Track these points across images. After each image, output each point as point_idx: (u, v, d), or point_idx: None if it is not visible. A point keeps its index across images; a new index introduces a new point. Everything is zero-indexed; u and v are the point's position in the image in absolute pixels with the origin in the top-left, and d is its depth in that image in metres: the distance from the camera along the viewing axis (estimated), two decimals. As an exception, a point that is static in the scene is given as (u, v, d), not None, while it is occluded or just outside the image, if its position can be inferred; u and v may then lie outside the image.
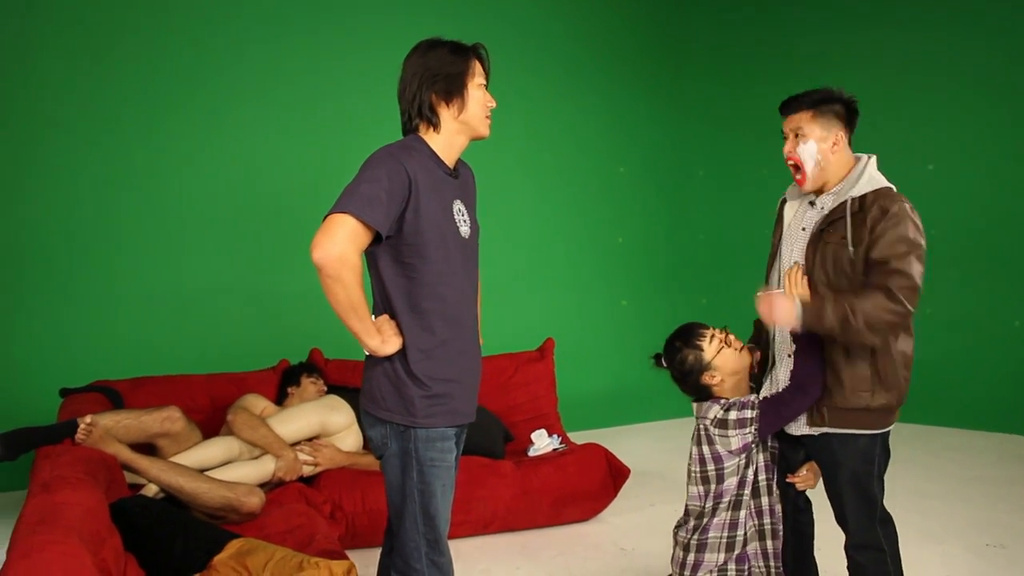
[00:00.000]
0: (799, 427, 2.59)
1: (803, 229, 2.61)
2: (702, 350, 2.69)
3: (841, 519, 2.62)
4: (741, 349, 2.70)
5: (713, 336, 2.70)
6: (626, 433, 6.25)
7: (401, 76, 2.36)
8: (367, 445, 4.26)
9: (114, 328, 5.25)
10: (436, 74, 2.30)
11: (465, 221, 2.38)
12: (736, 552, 2.68)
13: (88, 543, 2.20)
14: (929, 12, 6.56)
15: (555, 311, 6.83)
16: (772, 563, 2.68)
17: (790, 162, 2.60)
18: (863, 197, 2.47)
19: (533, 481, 4.13)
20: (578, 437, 5.06)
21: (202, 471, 3.53)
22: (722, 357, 2.67)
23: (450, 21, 6.16)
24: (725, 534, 2.68)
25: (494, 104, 2.37)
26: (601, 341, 7.08)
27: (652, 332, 7.08)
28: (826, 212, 2.55)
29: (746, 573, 2.68)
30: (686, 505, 2.76)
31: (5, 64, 5.06)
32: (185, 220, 5.50)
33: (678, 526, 2.78)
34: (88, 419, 3.33)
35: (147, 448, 3.62)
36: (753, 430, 2.61)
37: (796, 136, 2.56)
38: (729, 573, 2.67)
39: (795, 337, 2.57)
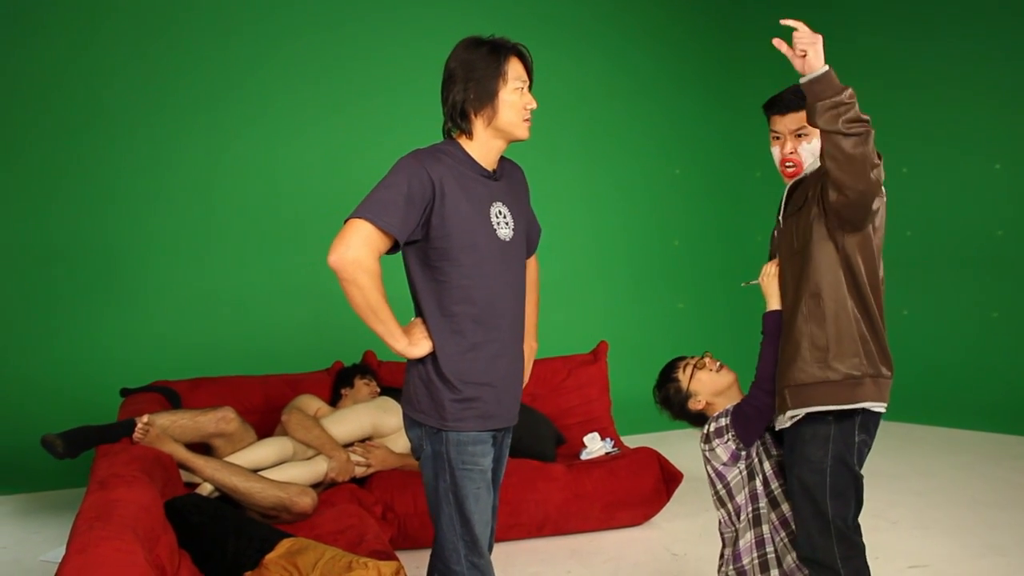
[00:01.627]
0: (781, 422, 2.49)
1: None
2: (678, 381, 2.79)
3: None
4: (719, 369, 2.76)
5: (686, 365, 2.80)
6: (680, 437, 6.15)
7: (444, 72, 2.36)
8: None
9: (174, 329, 5.37)
10: (470, 79, 2.29)
11: (507, 223, 2.36)
12: (774, 572, 2.62)
13: (143, 540, 2.24)
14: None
15: (611, 314, 6.80)
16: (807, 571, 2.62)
17: (787, 164, 2.55)
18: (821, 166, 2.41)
19: (585, 485, 4.11)
20: (631, 441, 5.01)
21: (256, 471, 3.58)
22: (697, 381, 2.75)
23: (496, 24, 6.16)
24: (755, 555, 2.64)
25: (534, 105, 2.34)
26: (657, 344, 6.99)
27: (709, 335, 7.09)
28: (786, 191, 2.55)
29: None
30: (722, 536, 2.75)
31: (36, 74, 5.21)
32: (244, 223, 5.60)
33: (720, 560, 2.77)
34: (145, 418, 3.40)
35: (202, 448, 3.69)
36: (731, 436, 2.61)
37: (798, 136, 2.52)
38: None
39: (763, 328, 2.58)
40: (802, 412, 2.41)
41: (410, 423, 2.39)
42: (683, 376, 2.78)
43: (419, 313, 2.35)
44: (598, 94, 6.86)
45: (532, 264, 2.65)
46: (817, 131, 2.44)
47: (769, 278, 2.60)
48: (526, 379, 2.58)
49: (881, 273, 2.45)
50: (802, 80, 2.26)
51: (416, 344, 2.29)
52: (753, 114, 7.87)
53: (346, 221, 2.21)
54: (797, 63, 2.27)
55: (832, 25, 7.22)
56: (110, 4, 5.37)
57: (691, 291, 7.41)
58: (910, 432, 6.00)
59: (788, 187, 2.58)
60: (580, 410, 4.84)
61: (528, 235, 2.53)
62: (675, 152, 7.33)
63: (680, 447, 5.58)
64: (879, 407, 2.41)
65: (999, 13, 6.37)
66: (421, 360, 2.32)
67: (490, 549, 2.42)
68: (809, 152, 2.52)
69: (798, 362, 2.41)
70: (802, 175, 2.55)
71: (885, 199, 2.42)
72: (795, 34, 2.25)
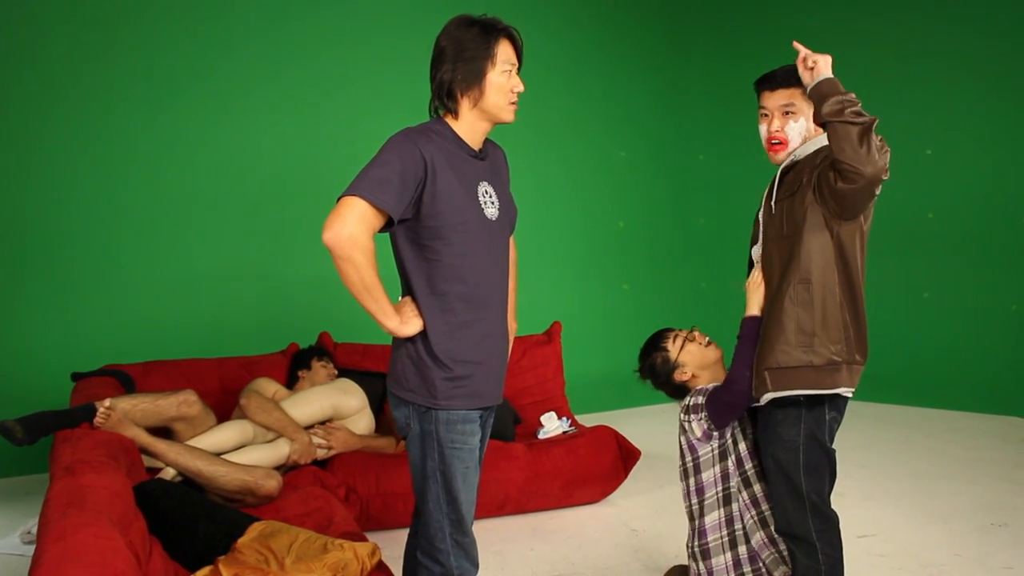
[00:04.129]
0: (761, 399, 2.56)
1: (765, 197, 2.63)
2: (667, 350, 2.86)
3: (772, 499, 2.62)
4: (707, 344, 2.84)
5: (676, 336, 2.87)
6: (633, 415, 6.28)
7: (433, 49, 2.36)
8: (379, 428, 4.30)
9: (124, 312, 5.26)
10: (459, 59, 2.30)
11: (493, 203, 2.37)
12: (742, 548, 2.70)
13: (118, 525, 2.21)
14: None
15: (559, 295, 6.86)
16: (781, 547, 2.70)
17: (774, 141, 2.57)
18: (816, 152, 2.48)
19: (544, 463, 4.16)
20: (585, 420, 5.09)
21: (218, 455, 3.55)
22: (687, 353, 2.83)
23: (449, 8, 6.14)
24: (724, 532, 2.72)
25: (521, 88, 2.36)
26: (604, 325, 7.12)
27: (653, 316, 7.19)
28: (778, 175, 2.57)
29: (763, 571, 2.70)
30: (685, 509, 2.83)
31: (9, 51, 5.04)
32: (193, 204, 5.50)
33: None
34: (107, 403, 3.34)
35: (163, 432, 3.64)
36: (704, 416, 2.69)
37: (785, 114, 2.53)
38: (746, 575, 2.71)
39: (740, 331, 2.62)
40: (782, 395, 2.47)
41: (397, 402, 2.39)
42: (672, 347, 2.84)
43: (408, 292, 2.35)
44: (541, 77, 6.86)
45: (511, 245, 2.68)
46: (804, 111, 2.51)
47: (754, 286, 2.63)
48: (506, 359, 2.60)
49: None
50: (810, 86, 2.34)
51: (407, 323, 2.29)
52: (698, 96, 8.01)
53: (340, 199, 2.19)
54: (806, 76, 2.37)
55: (776, 7, 7.38)
56: None
57: (636, 272, 7.52)
58: (852, 408, 6.17)
59: (780, 170, 2.59)
60: (536, 390, 4.88)
61: (509, 215, 2.55)
62: (620, 134, 7.39)
63: (633, 425, 5.68)
64: (849, 392, 2.50)
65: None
66: (410, 339, 2.32)
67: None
68: (796, 131, 2.54)
69: (781, 344, 2.46)
70: (792, 159, 2.56)
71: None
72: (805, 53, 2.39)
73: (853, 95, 2.29)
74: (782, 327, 2.47)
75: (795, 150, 2.57)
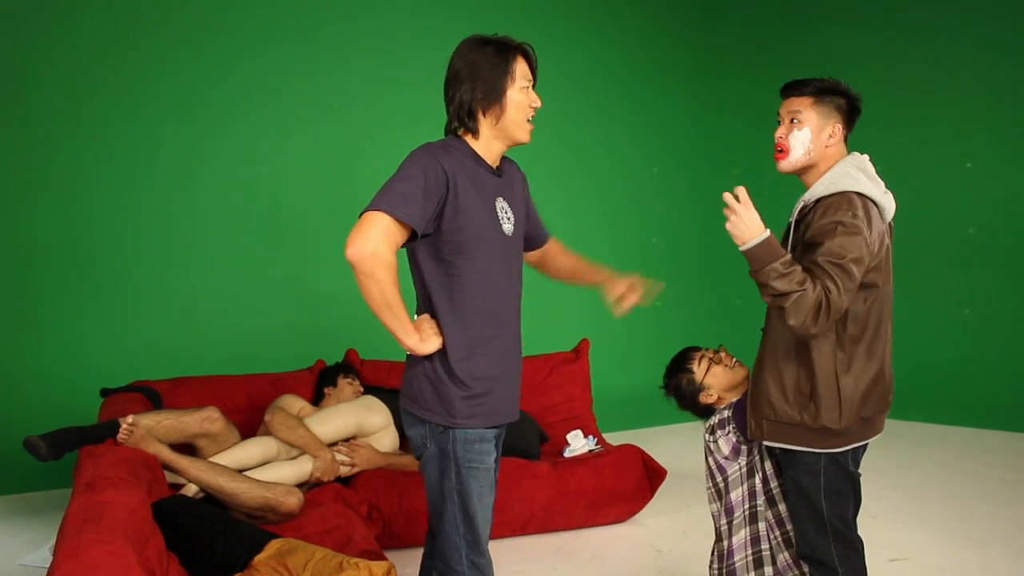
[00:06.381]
0: None
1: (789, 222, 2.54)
2: (692, 372, 2.79)
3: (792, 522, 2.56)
4: (733, 365, 2.77)
5: (702, 357, 2.80)
6: (661, 434, 6.21)
7: (447, 71, 2.37)
8: (403, 446, 4.29)
9: (153, 329, 5.32)
10: (477, 78, 2.30)
11: (509, 219, 2.37)
12: (768, 569, 2.65)
13: (133, 542, 2.22)
14: (983, 9, 6.49)
15: (590, 312, 6.77)
16: (805, 568, 2.64)
17: (777, 149, 2.51)
18: (817, 201, 2.38)
19: (570, 482, 4.12)
20: (613, 438, 5.04)
21: (241, 471, 3.56)
22: (712, 375, 2.76)
23: (473, 26, 6.18)
24: (749, 551, 2.67)
25: (539, 104, 2.36)
26: (636, 342, 7.06)
27: (686, 333, 7.09)
28: (793, 219, 2.47)
29: None
30: (715, 529, 2.77)
31: (18, 72, 5.14)
32: (223, 223, 5.57)
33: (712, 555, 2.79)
34: (130, 419, 3.37)
35: (186, 448, 3.66)
36: (732, 428, 2.63)
37: (792, 121, 2.46)
38: None
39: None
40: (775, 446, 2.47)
41: (412, 421, 2.37)
42: (698, 369, 2.78)
43: (427, 309, 2.34)
44: (574, 94, 6.87)
45: (555, 243, 2.76)
46: (810, 121, 2.44)
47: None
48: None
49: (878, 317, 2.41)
50: (742, 248, 2.33)
51: (427, 340, 2.28)
52: (730, 112, 7.96)
53: (362, 214, 2.18)
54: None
55: (810, 24, 7.32)
56: (92, 3, 5.29)
57: (669, 288, 7.39)
58: (886, 427, 6.06)
59: (795, 214, 2.47)
60: (563, 408, 4.85)
61: (531, 227, 2.58)
62: (653, 151, 7.36)
63: (660, 443, 5.63)
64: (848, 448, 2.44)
65: (974, 12, 6.46)
66: (427, 357, 2.31)
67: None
68: (798, 141, 2.45)
69: (780, 402, 2.41)
70: (803, 203, 2.45)
71: (884, 242, 2.39)
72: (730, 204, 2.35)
73: (786, 259, 2.26)
74: (780, 388, 2.41)
75: (796, 161, 2.48)
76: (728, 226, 2.35)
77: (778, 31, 7.42)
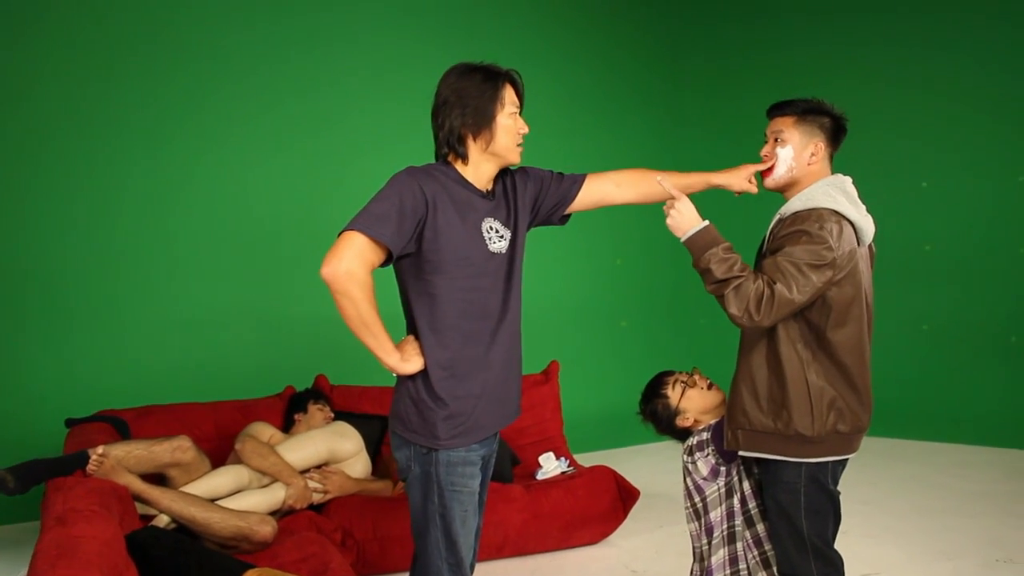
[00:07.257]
0: None
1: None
2: (667, 397, 2.79)
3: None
4: (709, 387, 2.78)
5: (676, 381, 2.80)
6: (633, 454, 6.24)
7: (435, 99, 2.38)
8: (376, 471, 4.26)
9: (118, 357, 5.23)
10: (466, 105, 2.33)
11: (502, 237, 2.38)
12: None
13: (108, 576, 2.18)
14: (927, 28, 6.66)
15: (556, 334, 6.83)
16: None
17: (764, 162, 2.56)
18: (793, 215, 2.43)
19: (543, 505, 4.12)
20: (585, 459, 5.05)
21: (213, 500, 3.51)
22: (687, 399, 2.76)
23: (446, 44, 6.24)
24: (727, 571, 2.68)
25: (526, 130, 2.42)
26: (602, 363, 7.09)
27: (652, 353, 7.18)
28: (770, 228, 2.53)
29: None
30: (693, 550, 2.78)
31: (8, 88, 5.06)
32: (187, 247, 5.50)
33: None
34: (100, 450, 3.31)
35: (157, 478, 3.60)
36: (711, 450, 2.65)
37: (776, 140, 2.52)
38: None
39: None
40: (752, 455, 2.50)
41: (399, 443, 2.38)
42: (672, 393, 2.78)
43: (411, 329, 2.36)
44: (536, 110, 6.90)
45: (609, 175, 2.72)
46: (792, 140, 2.50)
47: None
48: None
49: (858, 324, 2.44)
50: (682, 239, 2.43)
51: (408, 360, 2.29)
52: (695, 127, 8.03)
53: (340, 234, 2.20)
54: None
55: (768, 41, 7.44)
56: (77, 22, 5.22)
57: (634, 310, 7.50)
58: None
59: (772, 223, 2.53)
60: (534, 430, 4.85)
61: (560, 189, 2.59)
62: (616, 167, 7.41)
63: (632, 464, 5.64)
64: (832, 459, 2.46)
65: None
66: (411, 378, 2.32)
67: (472, 570, 2.42)
68: (782, 159, 2.51)
69: (755, 410, 2.45)
70: (779, 216, 2.50)
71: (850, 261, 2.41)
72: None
73: (725, 246, 2.36)
74: (753, 396, 2.45)
75: (780, 178, 2.53)
76: (668, 221, 2.45)
77: (743, 48, 7.55)
